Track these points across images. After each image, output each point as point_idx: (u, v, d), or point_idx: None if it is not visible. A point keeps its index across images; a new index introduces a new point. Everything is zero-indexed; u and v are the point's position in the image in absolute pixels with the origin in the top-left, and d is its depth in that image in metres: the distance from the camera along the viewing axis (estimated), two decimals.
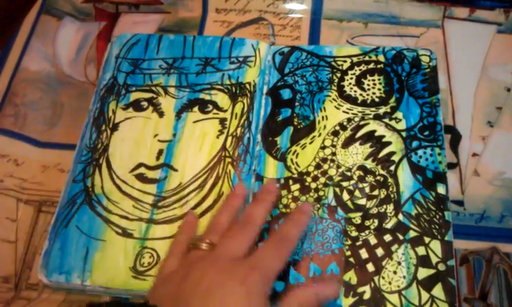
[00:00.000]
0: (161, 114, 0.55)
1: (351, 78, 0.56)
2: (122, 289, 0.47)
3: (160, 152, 0.53)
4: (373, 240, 0.47)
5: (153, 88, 0.57)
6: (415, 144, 0.52)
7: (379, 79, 0.56)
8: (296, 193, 0.50)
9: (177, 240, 0.48)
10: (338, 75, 0.57)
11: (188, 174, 0.52)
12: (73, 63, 0.64)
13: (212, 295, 0.39)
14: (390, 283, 0.45)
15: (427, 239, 0.47)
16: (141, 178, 0.52)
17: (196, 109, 0.55)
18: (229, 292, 0.39)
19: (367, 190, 0.50)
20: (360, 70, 0.57)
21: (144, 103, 0.56)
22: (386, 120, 0.53)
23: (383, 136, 0.52)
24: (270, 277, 0.42)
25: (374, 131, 0.53)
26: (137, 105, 0.56)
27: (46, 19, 0.67)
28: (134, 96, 0.57)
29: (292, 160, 0.52)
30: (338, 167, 0.51)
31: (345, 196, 0.50)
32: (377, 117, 0.54)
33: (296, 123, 0.54)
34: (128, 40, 0.61)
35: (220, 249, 0.43)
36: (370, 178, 0.50)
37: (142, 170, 0.52)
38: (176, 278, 0.42)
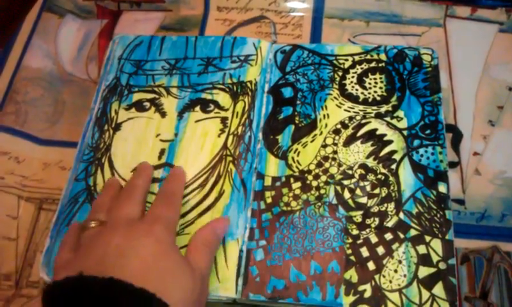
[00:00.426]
0: (163, 114, 0.55)
1: (353, 77, 0.56)
2: None
3: (162, 152, 0.53)
4: (374, 239, 0.47)
5: (156, 89, 0.57)
6: (416, 142, 0.52)
7: (380, 78, 0.56)
8: (297, 191, 0.50)
9: (65, 237, 0.47)
10: (340, 73, 0.57)
11: (190, 173, 0.52)
12: (75, 61, 0.64)
13: (126, 253, 0.39)
14: (390, 282, 0.45)
15: (428, 238, 0.47)
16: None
17: (197, 108, 0.55)
18: (140, 245, 0.40)
19: (368, 188, 0.50)
20: (361, 68, 0.57)
21: (147, 104, 0.56)
22: (388, 119, 0.53)
23: (385, 135, 0.52)
24: (171, 227, 0.45)
25: (376, 129, 0.53)
26: (139, 106, 0.56)
27: (48, 17, 0.67)
28: (136, 96, 0.57)
29: (293, 158, 0.52)
30: (340, 165, 0.51)
31: (347, 194, 0.50)
32: (378, 115, 0.54)
33: (297, 122, 0.54)
34: (131, 42, 0.61)
35: (113, 217, 0.44)
36: (371, 177, 0.50)
37: None
38: (79, 257, 0.41)
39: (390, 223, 0.48)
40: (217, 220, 0.49)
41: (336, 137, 0.53)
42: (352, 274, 0.46)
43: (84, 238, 0.44)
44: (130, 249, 0.40)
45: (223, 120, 0.54)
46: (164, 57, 0.59)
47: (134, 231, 0.42)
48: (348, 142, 0.52)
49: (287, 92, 0.56)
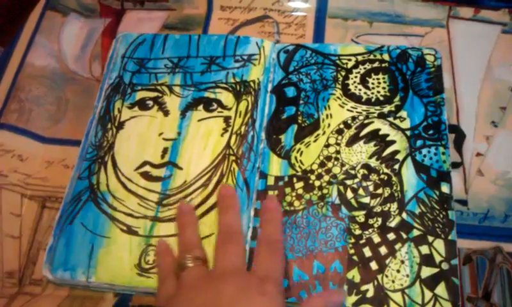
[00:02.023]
0: (166, 113, 0.55)
1: (356, 77, 0.57)
2: (127, 286, 0.47)
3: (165, 150, 0.53)
4: (377, 239, 0.47)
5: (159, 87, 0.57)
6: (419, 143, 0.52)
7: (383, 78, 0.56)
8: (300, 191, 0.50)
9: (161, 268, 0.47)
10: (343, 73, 0.57)
11: (193, 172, 0.52)
12: (78, 59, 0.64)
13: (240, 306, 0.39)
14: (393, 282, 0.45)
15: (430, 238, 0.47)
16: (146, 176, 0.52)
17: (200, 107, 0.55)
18: (256, 302, 0.40)
19: (371, 188, 0.50)
20: (364, 68, 0.57)
21: (150, 102, 0.56)
22: (391, 119, 0.53)
23: (387, 135, 0.52)
24: (280, 282, 0.44)
25: (379, 130, 0.53)
26: (142, 104, 0.56)
27: (51, 15, 0.67)
28: (139, 95, 0.57)
29: (296, 158, 0.52)
30: (342, 165, 0.51)
31: (349, 194, 0.50)
32: (381, 115, 0.54)
33: (300, 121, 0.54)
34: (134, 40, 0.61)
35: (220, 265, 0.44)
36: (374, 177, 0.50)
37: (147, 168, 0.52)
38: (182, 300, 0.42)
39: (392, 223, 0.48)
40: (332, 293, 0.46)
41: (339, 137, 0.53)
42: (354, 274, 0.46)
43: (185, 278, 0.44)
44: (244, 301, 0.40)
45: (226, 119, 0.54)
46: (167, 55, 0.59)
47: (246, 284, 0.41)
48: (351, 142, 0.52)
49: (290, 92, 0.56)
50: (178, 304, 0.42)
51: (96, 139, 0.55)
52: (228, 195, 0.50)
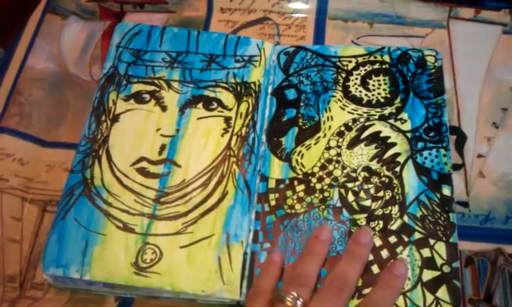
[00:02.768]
0: (164, 108, 0.55)
1: (356, 79, 0.56)
2: (123, 284, 0.46)
3: (163, 147, 0.53)
4: (378, 242, 0.47)
5: (156, 81, 0.56)
6: (420, 145, 0.52)
7: (384, 80, 0.56)
8: (301, 194, 0.50)
9: (260, 286, 0.45)
10: (343, 75, 0.57)
11: (192, 171, 0.52)
12: (78, 62, 0.64)
13: None
14: None
15: (432, 241, 0.47)
16: (143, 172, 0.51)
17: (200, 105, 0.55)
18: None
19: (372, 191, 0.50)
20: (365, 70, 0.57)
21: (147, 96, 0.56)
22: (392, 121, 0.53)
23: (388, 137, 0.52)
24: None
25: (379, 132, 0.53)
26: (139, 97, 0.56)
27: (51, 18, 0.67)
28: (135, 87, 0.56)
29: (297, 160, 0.52)
30: (343, 168, 0.51)
31: (350, 197, 0.50)
32: (382, 118, 0.54)
33: (300, 124, 0.54)
34: (130, 29, 0.60)
35: None
36: (375, 179, 0.50)
37: (144, 164, 0.52)
38: None
39: (394, 226, 0.48)
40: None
41: (340, 140, 0.53)
42: None
43: None
44: None
45: (227, 120, 0.54)
46: (165, 48, 0.59)
47: None
48: (352, 144, 0.52)
49: (291, 94, 0.56)
50: None
51: (90, 131, 0.54)
52: (362, 243, 0.46)
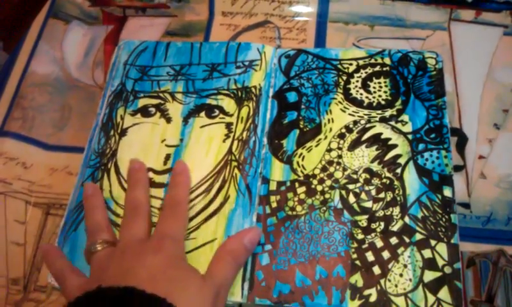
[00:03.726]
0: (169, 120, 0.56)
1: (357, 81, 0.57)
2: None
3: (167, 157, 0.53)
4: (379, 243, 0.47)
5: (161, 94, 0.57)
6: (421, 146, 0.52)
7: (385, 82, 0.56)
8: (302, 196, 0.50)
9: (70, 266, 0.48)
10: (344, 77, 0.57)
11: (195, 178, 0.52)
12: (81, 67, 0.64)
13: (136, 272, 0.41)
14: (396, 286, 0.45)
15: (433, 242, 0.47)
16: (149, 182, 0.52)
17: (202, 114, 0.56)
18: (150, 263, 0.41)
19: (373, 193, 0.50)
20: (365, 72, 0.57)
21: (152, 109, 0.56)
22: (392, 123, 0.53)
23: (389, 139, 0.52)
24: (179, 240, 0.46)
25: (380, 134, 0.53)
26: (145, 111, 0.56)
27: (54, 23, 0.67)
28: (142, 102, 0.57)
29: (298, 162, 0.52)
30: (344, 169, 0.51)
31: (352, 199, 0.50)
32: (383, 120, 0.54)
33: (301, 126, 0.54)
34: (136, 47, 0.61)
35: (123, 240, 0.46)
36: (376, 181, 0.50)
37: (150, 175, 0.53)
38: (92, 282, 0.42)
39: (395, 227, 0.48)
40: (247, 230, 0.48)
41: (341, 142, 0.53)
42: (357, 279, 0.46)
43: (93, 262, 0.45)
44: (140, 267, 0.41)
45: (228, 125, 0.55)
46: (169, 63, 0.60)
47: (143, 251, 0.43)
48: (353, 146, 0.52)
49: (292, 97, 0.56)
50: (85, 286, 0.42)
51: (99, 146, 0.55)
52: (137, 168, 0.51)
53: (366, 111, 0.54)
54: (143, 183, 0.51)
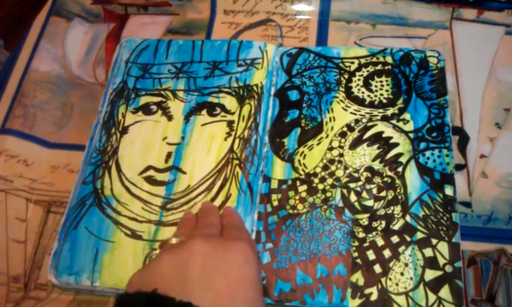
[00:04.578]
0: (170, 118, 0.56)
1: (359, 80, 0.57)
2: None
3: (169, 155, 0.53)
4: (380, 242, 0.47)
5: (163, 92, 0.57)
6: (422, 145, 0.52)
7: (386, 80, 0.56)
8: (303, 194, 0.50)
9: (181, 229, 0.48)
10: (346, 76, 0.57)
11: (196, 176, 0.52)
12: (83, 64, 0.64)
13: (212, 273, 0.38)
14: (397, 285, 0.45)
15: (434, 241, 0.47)
16: (150, 180, 0.52)
17: (204, 112, 0.56)
18: (232, 264, 0.39)
19: (375, 191, 0.50)
20: (367, 71, 0.57)
21: (154, 107, 0.56)
22: (394, 121, 0.53)
23: (391, 137, 0.52)
24: (251, 241, 0.45)
25: (382, 132, 0.53)
26: (146, 109, 0.56)
27: (55, 20, 0.67)
28: (143, 100, 0.57)
29: (299, 161, 0.52)
30: (346, 168, 0.51)
31: (353, 197, 0.50)
32: (384, 118, 0.54)
33: (303, 125, 0.54)
34: (138, 45, 0.61)
35: (196, 233, 0.44)
36: (377, 180, 0.50)
37: (151, 172, 0.53)
38: (161, 263, 0.40)
39: (396, 226, 0.48)
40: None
41: (342, 140, 0.53)
42: (358, 277, 0.46)
43: (164, 248, 0.43)
44: (221, 262, 0.39)
45: (230, 124, 0.55)
46: (171, 60, 0.60)
47: (219, 247, 0.40)
48: (354, 145, 0.52)
49: (293, 95, 0.56)
50: (154, 268, 0.40)
51: (101, 143, 0.55)
52: (208, 208, 0.50)
53: (367, 110, 0.54)
54: (216, 214, 0.49)
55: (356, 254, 0.47)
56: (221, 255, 0.39)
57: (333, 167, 0.51)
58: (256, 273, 0.40)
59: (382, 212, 0.49)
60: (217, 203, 0.51)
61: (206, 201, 0.51)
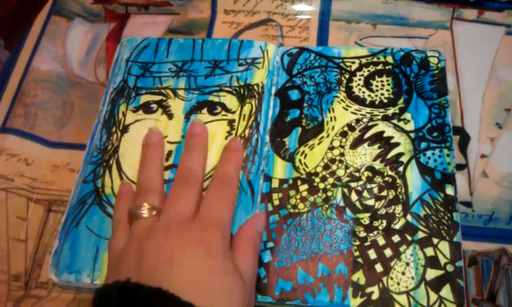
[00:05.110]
0: (170, 116, 0.56)
1: (360, 80, 0.57)
2: None
3: (169, 153, 0.53)
4: (381, 241, 0.47)
5: (163, 91, 0.57)
6: (423, 145, 0.52)
7: (387, 80, 0.56)
8: (304, 193, 0.50)
9: (117, 214, 0.48)
10: (347, 76, 0.57)
11: None
12: (83, 64, 0.64)
13: (177, 265, 0.39)
14: (398, 284, 0.45)
15: (435, 240, 0.47)
16: None
17: (205, 110, 0.56)
18: (191, 257, 0.40)
19: (376, 191, 0.50)
20: (368, 71, 0.57)
21: (154, 106, 0.56)
22: (395, 121, 0.53)
23: (392, 137, 0.52)
24: (223, 227, 0.44)
25: (383, 132, 0.53)
26: (147, 108, 0.56)
27: (56, 20, 0.67)
28: (144, 98, 0.57)
29: (300, 160, 0.52)
30: (347, 167, 0.51)
31: (354, 197, 0.50)
32: (385, 118, 0.54)
33: (304, 124, 0.54)
34: (138, 44, 0.61)
35: (168, 214, 0.44)
36: (378, 179, 0.50)
37: None
38: (131, 256, 0.42)
39: (397, 225, 0.48)
40: (255, 217, 0.48)
41: (343, 140, 0.53)
42: (359, 276, 0.46)
43: (136, 229, 0.44)
44: (181, 257, 0.39)
45: (230, 123, 0.55)
46: (171, 59, 0.60)
47: (186, 236, 0.41)
48: (355, 144, 0.52)
49: (294, 95, 0.56)
50: (124, 259, 0.42)
51: (101, 142, 0.55)
52: (197, 133, 0.51)
53: (368, 109, 0.54)
54: (200, 150, 0.49)
55: (357, 254, 0.47)
56: (186, 250, 0.40)
57: (334, 167, 0.51)
58: (218, 261, 0.40)
59: (383, 211, 0.49)
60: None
61: (197, 127, 0.51)
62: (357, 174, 0.51)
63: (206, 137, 0.51)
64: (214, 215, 0.44)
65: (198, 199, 0.46)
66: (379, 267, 0.46)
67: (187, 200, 0.45)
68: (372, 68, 0.57)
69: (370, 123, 0.54)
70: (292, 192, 0.51)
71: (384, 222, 0.48)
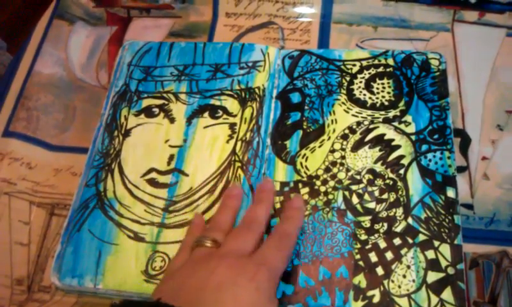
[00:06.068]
0: (172, 120, 0.56)
1: (360, 82, 0.57)
2: (134, 292, 0.48)
3: (171, 157, 0.54)
4: (382, 244, 0.47)
5: (165, 95, 0.57)
6: (424, 147, 0.52)
7: (388, 83, 0.56)
8: (305, 196, 0.50)
9: (184, 241, 0.48)
10: (348, 78, 0.57)
11: (199, 179, 0.52)
12: (85, 67, 0.65)
13: (225, 290, 0.39)
14: (399, 287, 0.45)
15: (436, 243, 0.47)
16: (153, 182, 0.53)
17: (206, 114, 0.56)
18: (240, 287, 0.40)
19: (377, 193, 0.50)
20: (369, 73, 0.57)
21: (156, 110, 0.57)
22: (396, 124, 0.53)
23: (393, 140, 0.53)
24: (276, 273, 0.43)
25: (384, 134, 0.53)
26: (148, 112, 0.57)
27: (58, 24, 0.67)
28: (145, 102, 0.57)
29: (301, 163, 0.52)
30: (348, 170, 0.51)
31: (355, 200, 0.50)
32: (386, 120, 0.54)
33: (305, 127, 0.54)
34: (140, 48, 0.61)
35: (227, 247, 0.44)
36: (379, 182, 0.50)
37: (153, 175, 0.53)
38: (183, 273, 0.42)
39: (398, 228, 0.48)
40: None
41: (344, 142, 0.53)
42: (361, 279, 0.46)
43: (196, 253, 0.44)
44: (231, 285, 0.40)
45: (232, 126, 0.55)
46: (173, 63, 0.60)
47: (239, 268, 0.41)
48: (356, 147, 0.53)
49: (295, 97, 0.57)
50: (177, 277, 0.42)
51: (103, 146, 0.55)
52: (265, 189, 0.50)
53: (369, 112, 0.55)
54: (266, 205, 0.49)
55: (358, 257, 0.47)
56: (236, 281, 0.40)
57: (335, 170, 0.52)
58: (265, 301, 0.41)
59: (384, 214, 0.49)
60: (218, 203, 0.51)
61: (266, 184, 0.51)
62: (358, 176, 0.51)
63: (273, 194, 0.51)
64: (269, 259, 0.44)
65: (257, 243, 0.46)
66: (380, 270, 0.46)
67: (246, 239, 0.45)
68: (373, 71, 0.57)
69: (371, 126, 0.54)
70: (293, 196, 0.51)
71: (385, 225, 0.48)
